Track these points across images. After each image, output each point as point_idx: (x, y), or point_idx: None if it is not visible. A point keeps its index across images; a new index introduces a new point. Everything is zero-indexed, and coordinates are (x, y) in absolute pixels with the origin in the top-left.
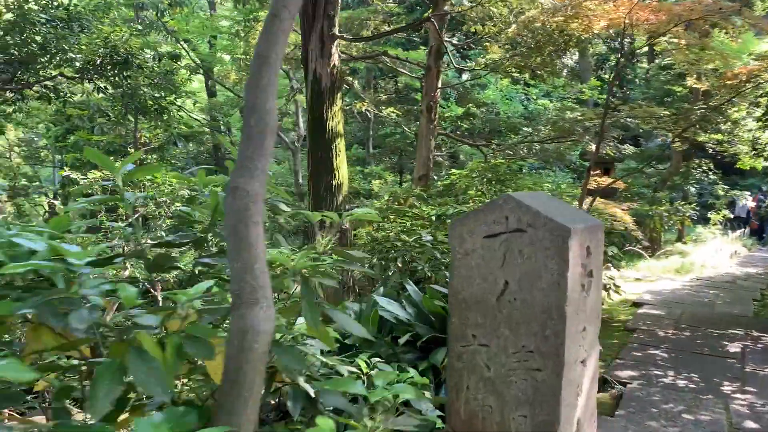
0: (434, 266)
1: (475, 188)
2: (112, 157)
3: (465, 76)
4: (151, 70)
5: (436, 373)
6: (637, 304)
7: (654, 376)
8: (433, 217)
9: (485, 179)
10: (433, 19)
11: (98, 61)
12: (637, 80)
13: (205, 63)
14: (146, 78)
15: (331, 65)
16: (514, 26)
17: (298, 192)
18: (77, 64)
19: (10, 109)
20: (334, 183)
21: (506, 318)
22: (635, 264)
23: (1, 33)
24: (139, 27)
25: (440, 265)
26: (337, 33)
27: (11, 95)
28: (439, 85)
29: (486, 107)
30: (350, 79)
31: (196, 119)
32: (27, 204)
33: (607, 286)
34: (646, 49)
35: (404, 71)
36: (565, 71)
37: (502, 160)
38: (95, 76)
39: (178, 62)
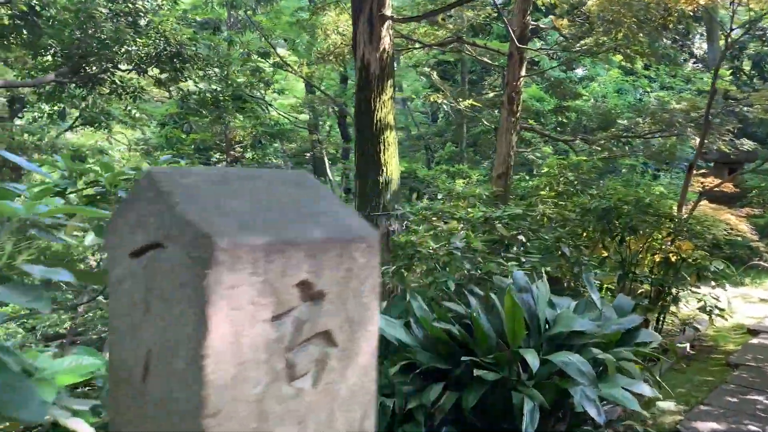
0: (463, 279)
1: (549, 188)
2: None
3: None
4: (206, 62)
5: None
6: (752, 332)
7: None
8: (481, 220)
9: (563, 179)
10: None
11: (153, 54)
12: None
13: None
14: (199, 70)
15: (381, 50)
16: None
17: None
18: (133, 57)
19: (83, 104)
20: (381, 180)
21: (152, 418)
22: (762, 282)
23: (63, 27)
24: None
25: (471, 278)
26: (387, 14)
27: (79, 90)
28: (523, 73)
29: (591, 100)
30: (428, 69)
31: (285, 117)
32: None
33: (708, 309)
34: None
35: (486, 60)
36: (692, 61)
37: (585, 157)
38: (152, 68)
39: (267, 59)
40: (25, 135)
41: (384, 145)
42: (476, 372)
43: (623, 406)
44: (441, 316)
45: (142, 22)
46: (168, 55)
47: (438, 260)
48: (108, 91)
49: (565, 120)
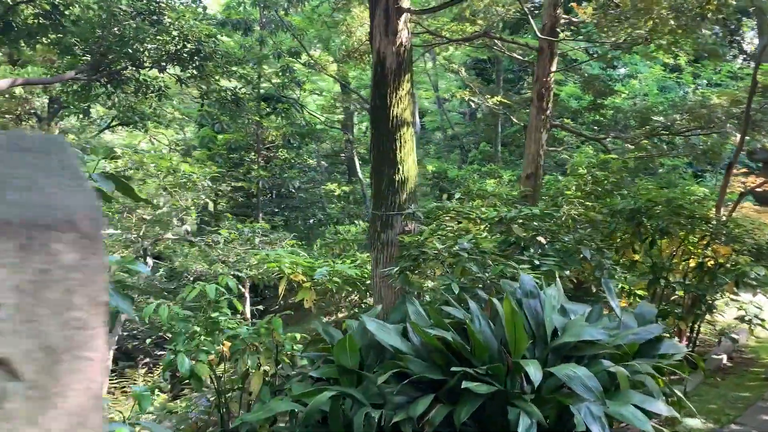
0: (471, 282)
1: (576, 188)
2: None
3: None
4: (226, 59)
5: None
6: None
7: None
8: (495, 220)
9: (592, 178)
10: None
11: (172, 51)
12: None
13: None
14: (217, 67)
15: (398, 43)
16: None
17: None
18: (153, 54)
19: (110, 102)
20: (397, 178)
21: None
22: None
23: (86, 25)
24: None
25: (477, 281)
26: (404, 6)
27: (104, 89)
28: (554, 68)
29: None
30: (456, 66)
31: (315, 116)
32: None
33: (748, 318)
34: None
35: (517, 56)
36: (742, 58)
37: (614, 156)
38: (173, 65)
39: (299, 59)
40: (71, 136)
41: (400, 142)
42: (465, 384)
43: (632, 425)
44: (437, 322)
45: (164, 20)
46: (188, 52)
47: (444, 262)
48: (133, 89)
49: (601, 118)
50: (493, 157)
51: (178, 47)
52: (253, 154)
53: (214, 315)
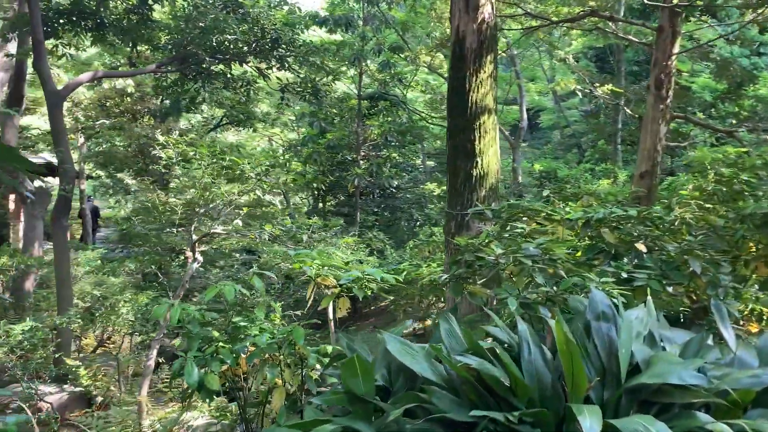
0: (534, 296)
1: (692, 188)
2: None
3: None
4: (306, 49)
5: None
6: None
7: None
8: (580, 222)
9: (716, 176)
10: None
11: (252, 41)
12: None
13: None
14: (295, 58)
15: (479, 20)
16: None
17: (516, 191)
18: (233, 45)
19: (200, 98)
20: (474, 173)
21: None
22: None
23: (172, 18)
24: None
25: (543, 296)
26: None
27: (193, 84)
28: (676, 50)
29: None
30: (560, 51)
31: (418, 113)
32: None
33: None
34: None
35: (632, 38)
36: None
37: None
38: (253, 57)
39: (400, 54)
40: (192, 135)
41: (480, 132)
42: None
43: None
44: (472, 345)
45: (244, 10)
46: (267, 42)
47: (503, 270)
48: (222, 85)
49: (738, 109)
50: (612, 156)
51: (258, 36)
52: (353, 152)
53: (236, 319)
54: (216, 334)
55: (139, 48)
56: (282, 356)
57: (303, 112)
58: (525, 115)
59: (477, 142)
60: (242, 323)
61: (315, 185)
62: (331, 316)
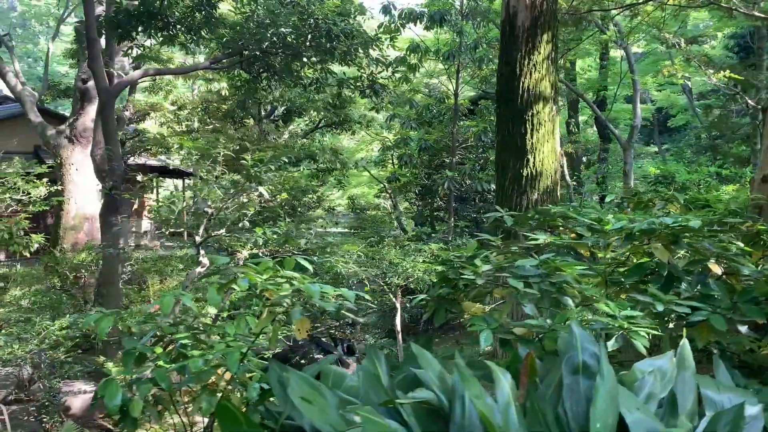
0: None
1: None
2: None
3: None
4: (362, 38)
5: None
6: None
7: None
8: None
9: None
10: None
11: (307, 35)
12: None
13: None
14: (347, 50)
15: None
16: None
17: (618, 198)
18: (287, 38)
19: (270, 96)
20: (524, 173)
21: None
22: None
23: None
24: None
25: (533, 333)
26: None
27: (265, 82)
28: None
29: None
30: (669, 36)
31: None
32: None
33: None
34: None
35: (757, 14)
36: None
37: None
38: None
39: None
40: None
41: (532, 124)
42: None
43: None
44: (389, 401)
45: (293, 1)
46: (320, 34)
47: (488, 292)
48: (293, 84)
49: None
50: (752, 159)
51: (311, 27)
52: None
53: (178, 336)
54: (158, 351)
55: (212, 46)
56: (222, 383)
57: (391, 113)
58: (639, 112)
59: (529, 136)
60: (185, 341)
61: (408, 189)
62: (398, 327)
